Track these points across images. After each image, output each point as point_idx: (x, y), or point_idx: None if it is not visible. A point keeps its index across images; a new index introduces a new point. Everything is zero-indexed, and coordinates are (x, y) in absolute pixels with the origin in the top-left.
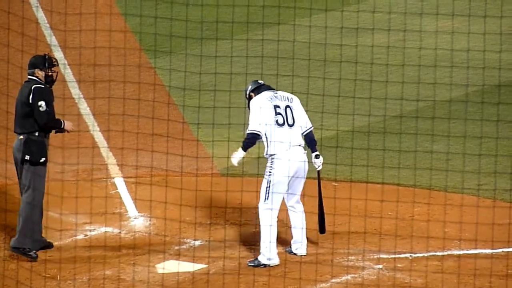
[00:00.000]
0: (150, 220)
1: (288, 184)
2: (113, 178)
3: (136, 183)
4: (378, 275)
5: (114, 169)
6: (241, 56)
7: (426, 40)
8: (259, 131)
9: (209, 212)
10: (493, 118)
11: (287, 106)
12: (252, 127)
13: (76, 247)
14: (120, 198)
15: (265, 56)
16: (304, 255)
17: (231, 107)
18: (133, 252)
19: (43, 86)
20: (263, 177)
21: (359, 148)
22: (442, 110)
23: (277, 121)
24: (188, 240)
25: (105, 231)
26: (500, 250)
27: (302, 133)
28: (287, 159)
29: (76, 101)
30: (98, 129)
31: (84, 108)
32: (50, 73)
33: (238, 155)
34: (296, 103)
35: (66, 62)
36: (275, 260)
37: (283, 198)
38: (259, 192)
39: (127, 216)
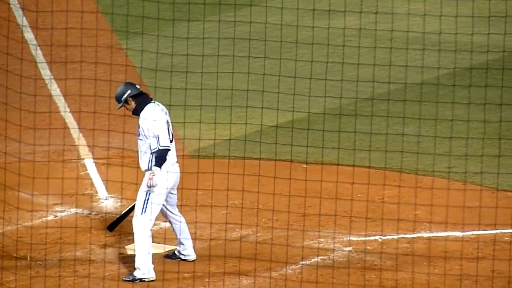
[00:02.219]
0: (120, 201)
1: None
2: (84, 159)
3: (107, 164)
4: (348, 257)
5: (84, 150)
6: (213, 37)
7: (397, 23)
8: (169, 147)
9: (179, 194)
10: (464, 101)
11: (167, 121)
12: (165, 143)
13: (47, 227)
14: (91, 179)
15: (237, 37)
16: (194, 259)
17: (202, 89)
18: (104, 233)
19: None
20: (140, 189)
21: (330, 130)
22: (413, 92)
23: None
24: (159, 222)
25: (76, 212)
26: (470, 233)
27: None
28: (170, 172)
29: (47, 82)
30: (69, 110)
31: (55, 89)
32: None
33: (158, 176)
34: (169, 117)
35: (37, 43)
36: (152, 274)
37: (166, 213)
38: (137, 204)
39: (98, 197)
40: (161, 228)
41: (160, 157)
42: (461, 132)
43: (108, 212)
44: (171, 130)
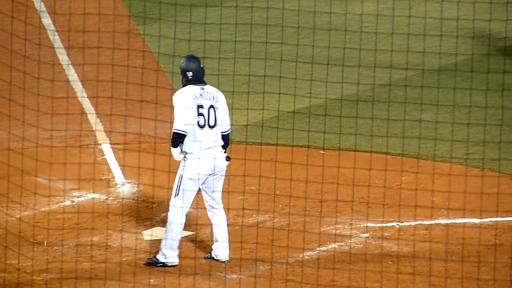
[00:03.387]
0: (137, 186)
1: (203, 183)
2: (101, 144)
3: (124, 149)
4: (365, 244)
5: (102, 136)
6: (230, 23)
7: (415, 9)
8: (184, 131)
9: None
10: (482, 87)
11: (211, 106)
12: (178, 126)
13: (64, 213)
14: (108, 164)
15: (254, 23)
16: (227, 260)
17: (219, 74)
18: (121, 218)
19: None
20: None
21: (348, 116)
22: (431, 78)
23: (198, 122)
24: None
25: (93, 198)
26: (488, 219)
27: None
28: (202, 158)
29: (65, 67)
30: (86, 95)
31: (72, 74)
32: None
33: (175, 153)
34: (221, 102)
35: (54, 28)
36: (174, 259)
37: (204, 198)
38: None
39: (114, 182)
40: None
41: (173, 138)
42: (479, 118)
43: (125, 198)
44: (211, 116)
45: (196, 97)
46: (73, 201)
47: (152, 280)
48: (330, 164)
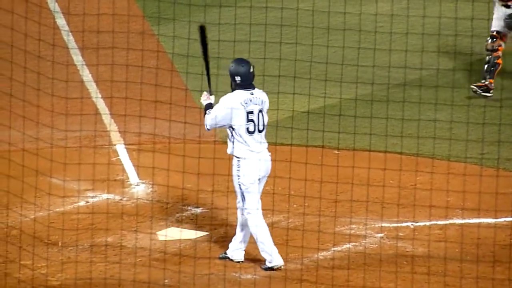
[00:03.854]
0: (152, 187)
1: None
2: (115, 145)
3: (138, 150)
4: (379, 244)
5: (116, 136)
6: (244, 23)
7: (429, 8)
8: (207, 126)
9: (211, 180)
10: (497, 87)
11: (260, 111)
12: (209, 124)
13: (78, 213)
14: (122, 165)
15: (268, 23)
16: (242, 261)
17: None
18: (135, 219)
19: None
20: (233, 181)
21: (362, 116)
22: (445, 78)
23: (247, 128)
24: (190, 208)
25: (107, 198)
26: (503, 219)
27: None
28: (254, 162)
29: (79, 68)
30: (100, 96)
31: (86, 75)
32: None
33: (203, 97)
34: (266, 106)
35: (69, 28)
36: (279, 260)
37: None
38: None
39: (129, 183)
40: (192, 214)
41: (205, 121)
42: (494, 118)
43: (139, 198)
44: (260, 120)
45: (246, 103)
46: (87, 202)
47: (167, 281)
48: (345, 164)
